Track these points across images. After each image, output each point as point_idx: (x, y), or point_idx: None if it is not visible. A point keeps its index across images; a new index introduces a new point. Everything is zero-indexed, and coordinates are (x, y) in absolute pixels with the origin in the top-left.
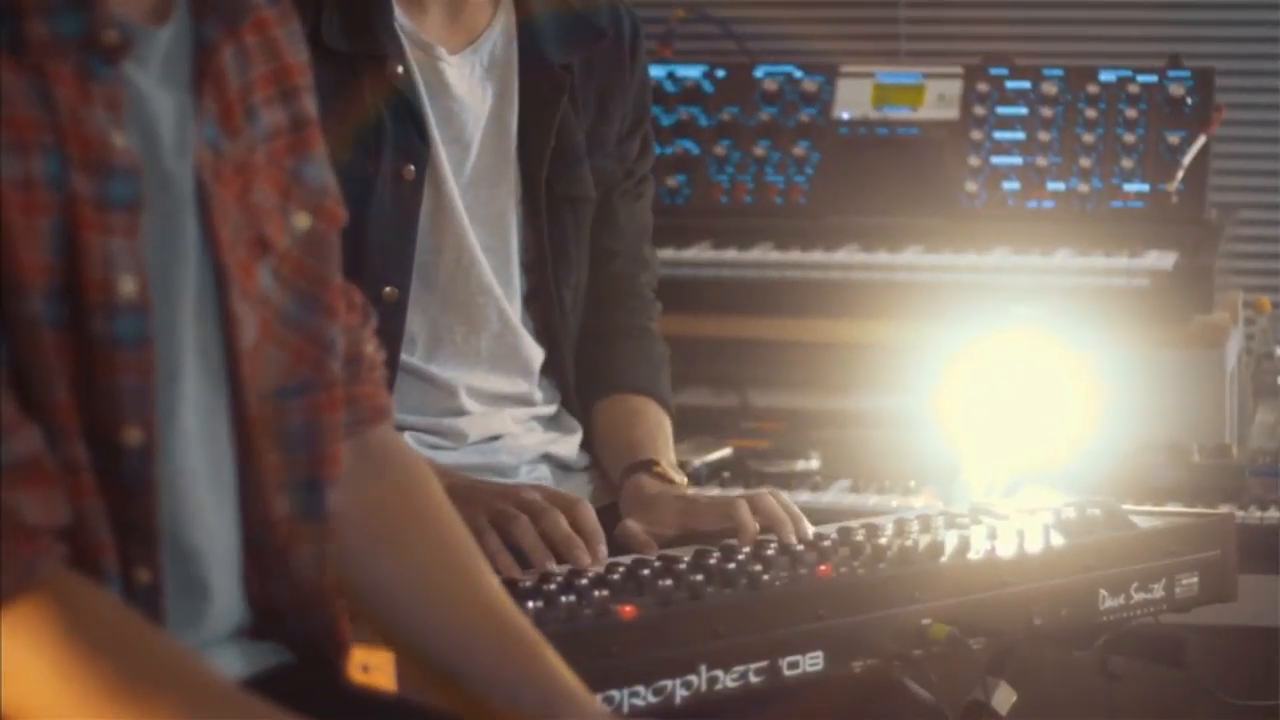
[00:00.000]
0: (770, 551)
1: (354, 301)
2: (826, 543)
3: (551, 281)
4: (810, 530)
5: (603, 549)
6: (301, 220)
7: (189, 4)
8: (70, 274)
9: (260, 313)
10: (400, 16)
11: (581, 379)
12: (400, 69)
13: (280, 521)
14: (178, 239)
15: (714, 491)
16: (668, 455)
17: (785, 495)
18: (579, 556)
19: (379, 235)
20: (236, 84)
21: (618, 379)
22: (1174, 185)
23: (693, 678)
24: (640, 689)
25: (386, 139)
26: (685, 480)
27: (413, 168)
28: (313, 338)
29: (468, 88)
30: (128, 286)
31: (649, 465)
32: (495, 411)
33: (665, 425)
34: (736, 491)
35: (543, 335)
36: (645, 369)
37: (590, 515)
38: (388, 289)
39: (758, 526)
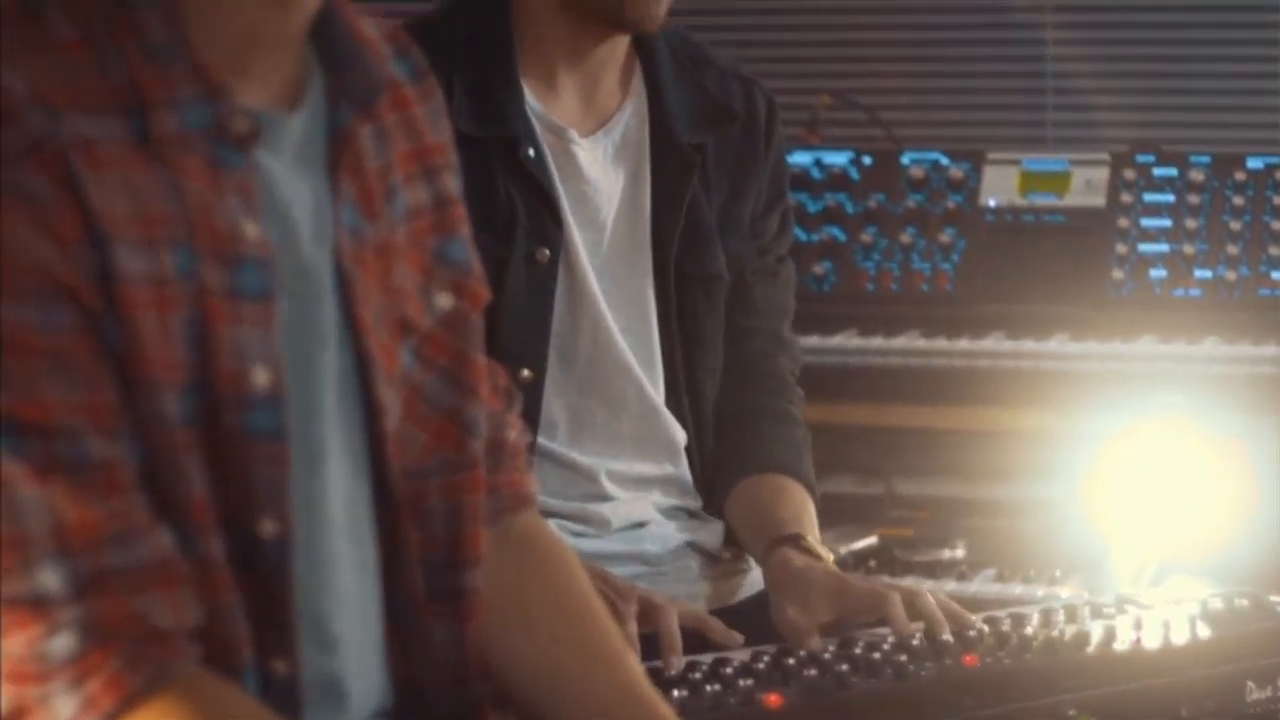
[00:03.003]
0: (916, 641)
1: (499, 385)
2: (972, 632)
3: (687, 362)
4: (970, 623)
5: (676, 659)
6: (444, 300)
7: (323, 88)
8: (203, 368)
9: (402, 393)
10: (531, 99)
11: (722, 460)
12: (532, 152)
13: (422, 601)
14: (318, 325)
15: None
16: (813, 532)
17: (943, 596)
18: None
19: (514, 318)
20: (375, 165)
21: (760, 459)
22: None
23: None
24: None
25: (519, 222)
26: (831, 556)
27: (547, 251)
28: (454, 418)
29: (600, 170)
30: (261, 378)
31: (795, 539)
32: (639, 496)
33: (809, 505)
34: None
35: (683, 416)
36: (787, 449)
37: (672, 621)
38: (525, 372)
39: (912, 629)
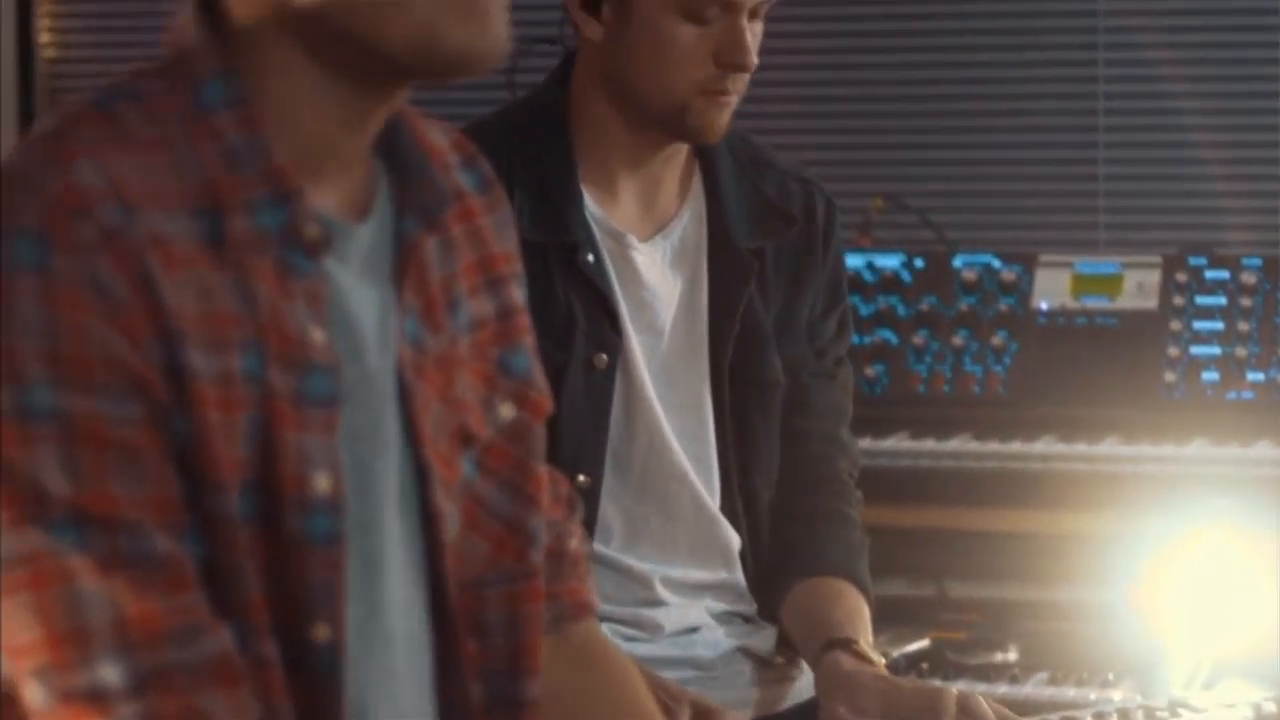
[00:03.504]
0: None
1: (560, 493)
2: None
3: (742, 466)
4: None
5: None
6: (506, 410)
7: (390, 197)
8: (265, 469)
9: (463, 503)
10: (590, 204)
11: (779, 561)
12: (591, 257)
13: (478, 711)
14: (379, 434)
15: None
16: (866, 636)
17: (995, 701)
18: None
19: (571, 423)
20: (440, 276)
21: (816, 562)
22: None
23: None
24: None
25: (578, 327)
26: (883, 661)
27: (604, 356)
28: (515, 528)
29: (658, 274)
30: (322, 484)
31: (847, 643)
32: (693, 602)
33: (864, 609)
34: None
35: (736, 522)
36: (843, 553)
37: None
38: (581, 477)
39: None
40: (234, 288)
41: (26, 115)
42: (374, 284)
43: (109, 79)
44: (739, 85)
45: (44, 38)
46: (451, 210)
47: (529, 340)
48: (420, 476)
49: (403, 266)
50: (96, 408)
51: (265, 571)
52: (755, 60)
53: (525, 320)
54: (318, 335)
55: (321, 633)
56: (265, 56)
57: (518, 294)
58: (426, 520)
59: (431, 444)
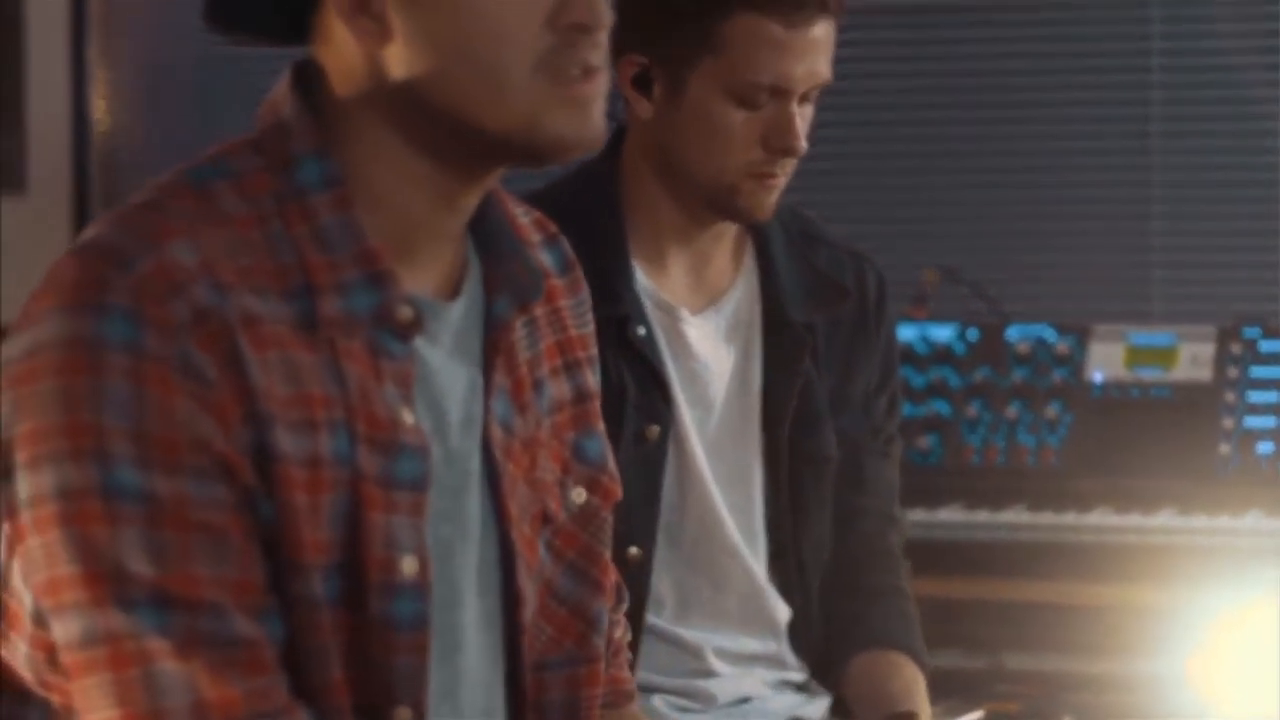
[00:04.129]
0: None
1: (611, 582)
2: None
3: (794, 538)
4: None
5: None
6: (578, 495)
7: (480, 277)
8: (351, 551)
9: (536, 585)
10: (642, 278)
11: (834, 636)
12: (642, 330)
13: None
14: (464, 515)
15: None
16: (925, 708)
17: None
18: None
19: (623, 496)
20: (526, 357)
21: (873, 636)
22: None
23: None
24: None
25: (629, 400)
26: None
27: (656, 428)
28: (580, 612)
29: (710, 347)
30: (409, 567)
31: (906, 716)
32: (745, 672)
33: (920, 680)
34: None
35: (787, 593)
36: (900, 626)
37: None
38: (633, 550)
39: None
40: (324, 369)
41: (81, 187)
42: (463, 363)
43: (166, 152)
44: (788, 168)
45: (98, 110)
46: (540, 296)
47: (601, 426)
48: (504, 558)
49: (493, 347)
50: (182, 489)
51: (347, 653)
52: (804, 144)
53: (598, 406)
54: (408, 417)
55: (403, 715)
56: (360, 135)
57: (593, 378)
58: (508, 601)
59: (517, 526)
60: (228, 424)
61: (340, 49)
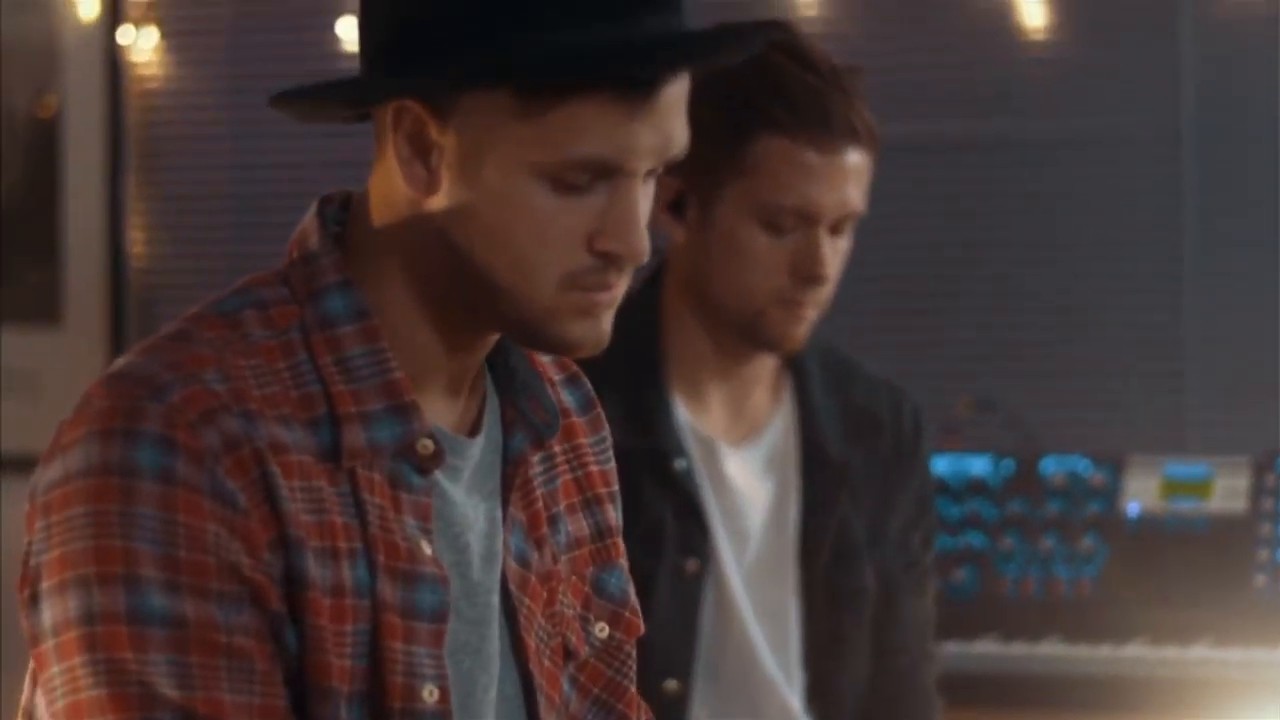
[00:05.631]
0: None
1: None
2: None
3: (831, 675)
4: None
5: None
6: (601, 630)
7: (499, 413)
8: (373, 680)
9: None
10: (681, 410)
11: None
12: (683, 464)
13: None
14: (483, 648)
15: None
16: None
17: None
18: None
19: (661, 630)
20: (542, 492)
21: None
22: None
23: None
24: None
25: (668, 533)
26: None
27: (695, 561)
28: None
29: (747, 480)
30: (430, 696)
31: None
32: None
33: None
34: None
35: None
36: None
37: None
38: (670, 683)
39: None
40: (344, 498)
41: (117, 321)
42: (482, 498)
43: (201, 286)
44: (817, 298)
45: (135, 246)
46: (557, 434)
47: (623, 561)
48: (524, 692)
49: (510, 482)
50: (210, 614)
51: None
52: (831, 274)
53: (620, 542)
54: (427, 548)
55: None
56: (383, 270)
57: (614, 514)
58: None
59: (536, 660)
60: (257, 551)
61: (390, 175)
